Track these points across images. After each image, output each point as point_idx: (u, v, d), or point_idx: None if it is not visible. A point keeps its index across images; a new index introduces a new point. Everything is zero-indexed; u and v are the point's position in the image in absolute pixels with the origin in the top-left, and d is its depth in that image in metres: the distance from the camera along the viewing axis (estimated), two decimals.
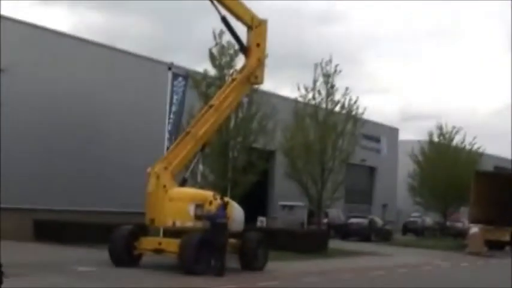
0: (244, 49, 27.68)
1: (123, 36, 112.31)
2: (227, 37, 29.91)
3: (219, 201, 23.94)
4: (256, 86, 31.68)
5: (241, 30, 27.59)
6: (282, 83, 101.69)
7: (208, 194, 25.11)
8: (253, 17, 27.23)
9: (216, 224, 23.08)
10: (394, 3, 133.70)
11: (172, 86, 32.24)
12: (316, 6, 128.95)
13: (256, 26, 27.28)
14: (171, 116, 31.94)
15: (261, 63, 27.58)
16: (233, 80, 27.85)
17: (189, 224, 23.96)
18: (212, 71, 34.96)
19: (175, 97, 32.35)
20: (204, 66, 35.63)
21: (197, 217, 23.93)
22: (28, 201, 33.97)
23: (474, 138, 60.05)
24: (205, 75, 35.08)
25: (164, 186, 24.29)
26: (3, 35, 31.25)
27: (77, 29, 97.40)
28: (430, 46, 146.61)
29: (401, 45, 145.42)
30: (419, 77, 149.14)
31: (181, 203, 24.19)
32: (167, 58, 36.44)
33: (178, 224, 24.00)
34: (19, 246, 28.37)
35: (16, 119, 33.92)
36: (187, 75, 33.30)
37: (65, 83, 36.75)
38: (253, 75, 27.34)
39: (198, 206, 24.16)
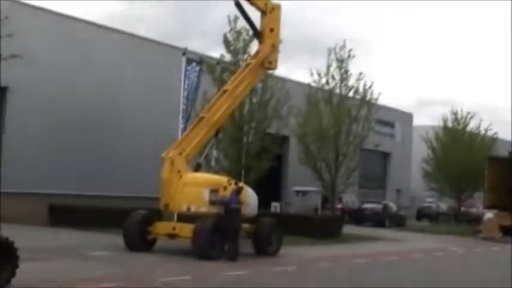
0: (257, 34, 27.62)
1: (140, 23, 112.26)
2: (242, 22, 29.87)
3: (233, 186, 24.00)
4: (270, 71, 31.70)
5: (254, 15, 27.57)
6: (295, 68, 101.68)
7: (223, 179, 25.18)
8: (266, 2, 27.14)
9: (230, 209, 23.15)
10: None
11: (186, 71, 32.24)
12: None
13: (270, 11, 27.19)
14: (184, 101, 31.97)
15: (275, 49, 27.55)
16: (247, 65, 27.82)
17: (204, 209, 24.02)
18: (227, 56, 34.90)
19: (186, 82, 32.37)
20: (219, 51, 35.63)
21: (212, 202, 23.99)
22: (43, 186, 34.13)
23: (490, 124, 59.83)
24: (219, 60, 35.01)
25: (179, 171, 24.36)
26: (22, 21, 31.30)
27: (95, 16, 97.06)
28: (446, 30, 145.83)
29: (416, 28, 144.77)
30: (434, 61, 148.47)
31: (196, 188, 24.25)
32: (182, 44, 36.37)
33: (192, 209, 24.07)
34: (34, 231, 28.54)
35: (32, 104, 34.13)
36: (201, 61, 33.29)
37: (82, 70, 36.88)
38: (267, 61, 27.31)
39: (213, 191, 24.22)
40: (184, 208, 24.16)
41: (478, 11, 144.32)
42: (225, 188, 24.10)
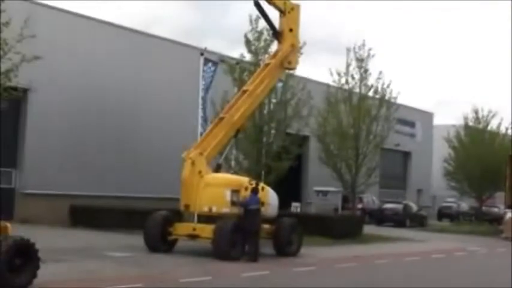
0: (277, 34, 27.63)
1: (161, 23, 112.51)
2: (263, 23, 29.82)
3: (257, 187, 23.92)
4: (290, 71, 31.68)
5: (274, 15, 27.55)
6: (315, 67, 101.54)
7: (244, 179, 25.20)
8: (285, 1, 27.13)
9: (248, 210, 23.11)
10: None
11: (203, 71, 32.39)
12: None
13: (289, 11, 27.21)
14: (201, 101, 32.09)
15: (294, 49, 27.57)
16: (266, 65, 27.79)
17: (226, 210, 24.00)
18: (247, 56, 34.82)
19: (203, 83, 32.50)
20: (239, 51, 35.58)
21: (233, 203, 23.98)
22: (64, 187, 34.27)
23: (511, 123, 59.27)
24: (239, 60, 34.99)
25: (199, 172, 24.31)
26: (41, 22, 31.44)
27: (114, 16, 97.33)
28: (468, 28, 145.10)
29: (437, 27, 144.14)
30: (456, 60, 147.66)
31: (217, 188, 24.25)
32: (203, 43, 36.41)
33: (214, 209, 24.02)
34: (55, 232, 28.67)
35: (53, 105, 34.28)
36: (217, 61, 33.32)
37: (101, 70, 36.96)
38: (286, 60, 27.32)
39: (234, 192, 24.22)
40: (206, 209, 24.10)
41: (500, 11, 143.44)
42: (246, 189, 24.07)
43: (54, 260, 18.20)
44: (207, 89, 32.62)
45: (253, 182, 24.50)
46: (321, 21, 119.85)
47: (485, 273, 25.01)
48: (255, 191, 23.62)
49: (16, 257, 14.45)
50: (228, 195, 24.18)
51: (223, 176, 26.08)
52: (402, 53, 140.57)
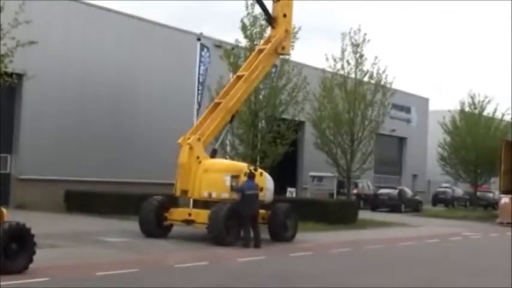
0: (271, 19, 27.60)
1: (157, 7, 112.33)
2: (258, 8, 29.76)
3: (253, 172, 23.92)
4: (286, 56, 31.67)
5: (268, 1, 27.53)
6: (310, 53, 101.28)
7: (244, 165, 25.26)
8: None
9: (246, 195, 23.08)
10: None
11: (201, 56, 32.32)
12: None
13: None
14: (199, 87, 32.02)
15: (288, 34, 27.59)
16: (260, 50, 27.75)
17: (226, 195, 23.92)
18: (243, 42, 34.75)
19: (202, 68, 32.45)
20: (235, 36, 35.52)
21: (232, 189, 24.00)
22: (59, 172, 34.28)
23: (507, 109, 59.27)
24: (235, 45, 34.92)
25: (197, 157, 24.27)
26: (35, 8, 31.36)
27: (108, 1, 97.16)
28: (463, 14, 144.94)
29: (433, 13, 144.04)
30: (451, 46, 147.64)
31: (217, 174, 24.17)
32: (200, 28, 36.30)
33: (214, 195, 23.96)
34: (51, 217, 28.68)
35: (49, 91, 34.25)
36: (214, 46, 33.31)
37: (96, 55, 36.92)
38: (280, 46, 27.31)
39: (234, 178, 24.14)
40: (205, 194, 24.04)
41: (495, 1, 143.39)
42: (245, 174, 23.96)
43: (49, 245, 18.23)
44: (205, 75, 32.65)
45: (252, 168, 24.48)
46: (318, 6, 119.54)
47: (480, 258, 25.07)
48: (251, 176, 23.59)
49: (12, 242, 14.51)
50: (227, 180, 24.10)
51: (223, 161, 26.17)
52: (398, 38, 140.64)
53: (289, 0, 27.34)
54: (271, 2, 27.49)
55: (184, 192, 24.38)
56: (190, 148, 24.26)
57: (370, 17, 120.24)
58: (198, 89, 32.29)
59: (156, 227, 23.97)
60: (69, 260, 17.67)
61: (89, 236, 22.89)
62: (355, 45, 40.89)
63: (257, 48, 29.01)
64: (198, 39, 33.12)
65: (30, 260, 14.86)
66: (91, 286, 14.52)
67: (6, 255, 14.38)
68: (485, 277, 19.45)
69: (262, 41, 30.87)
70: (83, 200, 32.53)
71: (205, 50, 33.15)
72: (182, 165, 24.35)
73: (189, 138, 24.51)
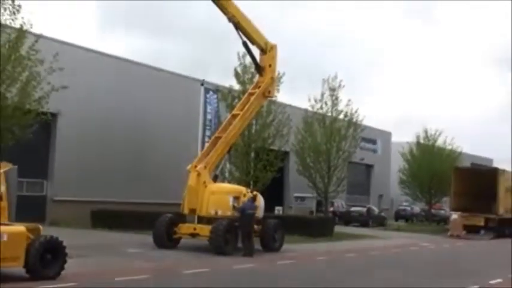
0: (259, 68, 27.80)
1: (164, 58, 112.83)
2: (249, 58, 29.92)
3: (250, 194, 24.39)
4: (272, 99, 31.81)
5: (255, 52, 27.69)
6: (294, 95, 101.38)
7: (242, 188, 25.70)
8: (266, 42, 27.41)
9: (245, 214, 23.18)
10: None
11: (206, 98, 32.49)
12: (326, 31, 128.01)
13: (269, 49, 27.47)
14: (208, 123, 32.20)
15: (273, 81, 28.07)
16: (250, 93, 27.88)
17: (229, 213, 24.12)
18: (236, 87, 34.95)
19: (209, 107, 32.64)
20: (229, 82, 35.67)
21: (234, 207, 24.12)
22: (87, 195, 34.07)
23: (453, 139, 59.64)
24: (230, 89, 35.10)
25: (204, 182, 24.46)
26: (64, 58, 31.37)
27: (125, 52, 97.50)
28: (418, 57, 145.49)
29: (396, 61, 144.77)
30: (410, 86, 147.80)
31: (222, 195, 24.50)
32: (200, 76, 36.26)
33: (220, 213, 24.13)
34: (79, 232, 28.42)
35: (77, 129, 34.15)
36: (217, 90, 33.46)
37: (118, 99, 36.81)
38: (267, 91, 27.61)
39: (235, 198, 24.41)
40: (212, 212, 24.21)
41: (436, 36, 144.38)
42: (244, 195, 24.42)
43: (78, 255, 18.04)
44: (216, 113, 32.86)
45: (253, 191, 24.96)
46: (302, 54, 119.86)
47: (435, 263, 24.98)
48: (252, 199, 23.92)
49: (47, 253, 14.56)
50: (230, 200, 24.32)
51: (226, 185, 26.80)
52: (367, 80, 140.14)
53: (273, 54, 27.57)
54: (259, 54, 27.67)
55: (193, 210, 24.43)
56: (198, 174, 24.38)
57: (347, 63, 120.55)
58: (206, 125, 32.38)
59: (167, 239, 23.94)
60: (93, 267, 17.57)
61: (110, 248, 22.72)
62: (332, 90, 41.18)
63: (248, 91, 29.11)
64: (202, 84, 33.23)
65: (62, 268, 14.85)
66: None
67: (42, 264, 14.41)
68: (442, 278, 19.38)
69: (252, 86, 31.00)
70: (106, 218, 32.22)
71: (211, 92, 33.30)
72: (191, 188, 24.42)
73: (196, 166, 24.61)
